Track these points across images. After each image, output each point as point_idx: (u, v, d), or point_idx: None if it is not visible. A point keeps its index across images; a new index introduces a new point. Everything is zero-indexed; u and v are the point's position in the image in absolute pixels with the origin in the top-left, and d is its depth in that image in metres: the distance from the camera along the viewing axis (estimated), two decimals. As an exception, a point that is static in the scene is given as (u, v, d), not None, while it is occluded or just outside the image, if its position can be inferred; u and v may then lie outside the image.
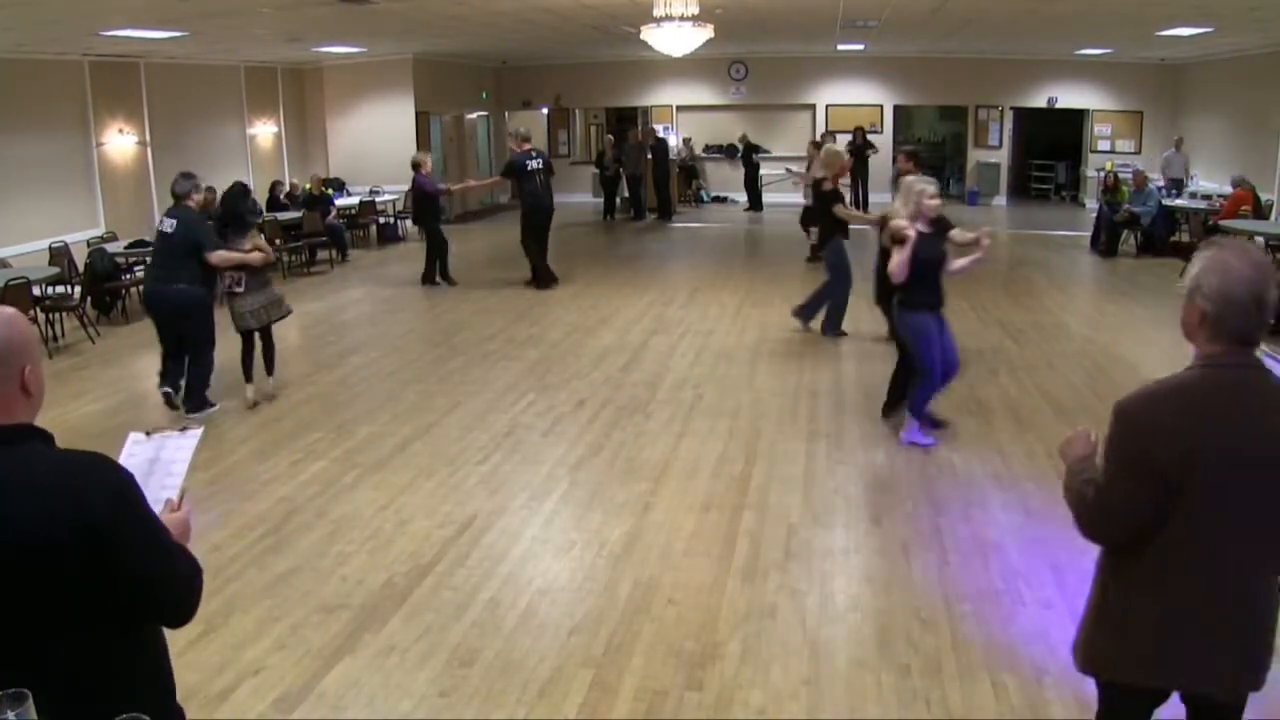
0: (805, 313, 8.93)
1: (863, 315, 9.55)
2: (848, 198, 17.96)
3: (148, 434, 2.14)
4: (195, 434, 2.16)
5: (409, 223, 16.17)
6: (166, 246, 6.75)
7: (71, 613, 1.65)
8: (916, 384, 5.83)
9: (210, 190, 7.52)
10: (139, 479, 1.97)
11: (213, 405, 6.83)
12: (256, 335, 7.00)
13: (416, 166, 11.51)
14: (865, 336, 8.75)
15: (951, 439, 6.05)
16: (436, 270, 11.68)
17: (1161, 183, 14.90)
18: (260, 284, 6.91)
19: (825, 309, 8.80)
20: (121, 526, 1.66)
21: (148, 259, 10.89)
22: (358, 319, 10.19)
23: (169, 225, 6.75)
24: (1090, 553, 4.48)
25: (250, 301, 6.82)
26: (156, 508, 1.92)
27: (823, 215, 8.69)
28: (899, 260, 5.48)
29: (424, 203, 11.57)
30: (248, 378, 7.02)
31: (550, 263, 11.48)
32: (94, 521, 1.63)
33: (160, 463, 2.07)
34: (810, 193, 8.67)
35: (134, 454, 2.10)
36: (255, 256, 6.79)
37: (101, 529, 1.63)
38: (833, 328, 8.78)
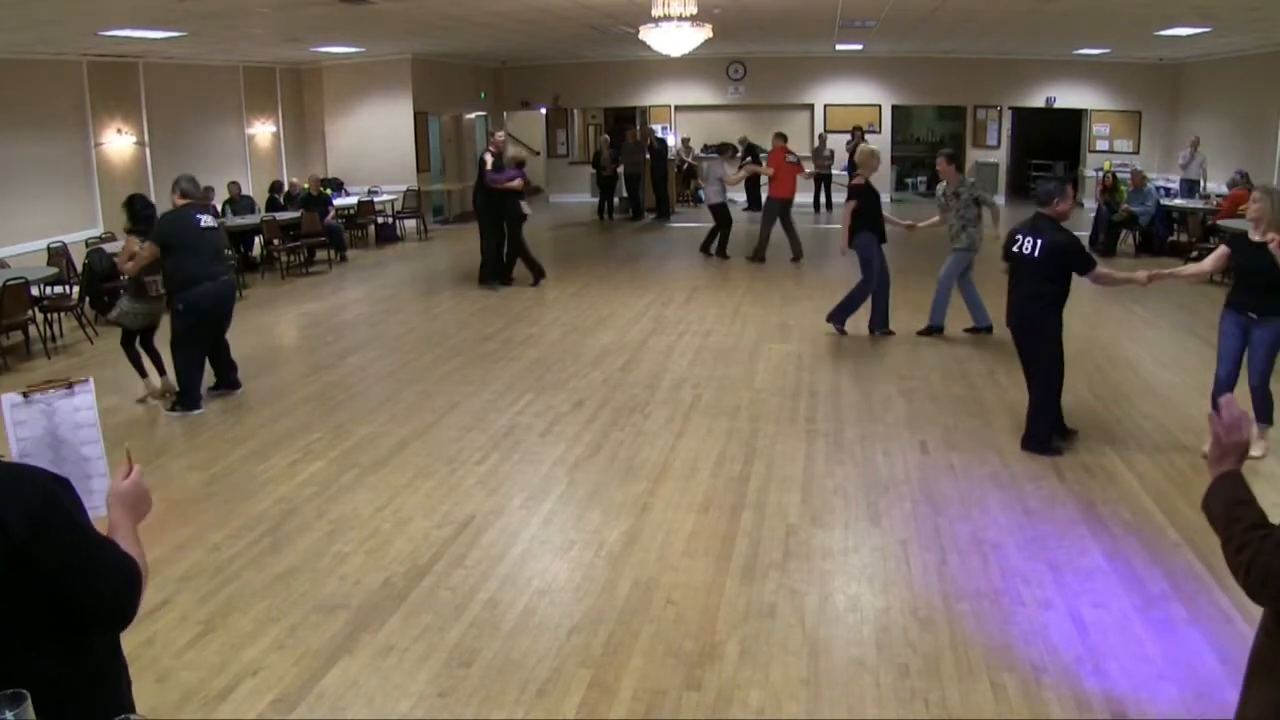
0: (878, 320, 8.87)
1: (862, 313, 9.56)
2: (845, 198, 18.13)
3: (25, 395, 1.92)
4: (86, 389, 1.94)
5: (408, 223, 16.27)
6: (215, 241, 7.20)
7: (10, 627, 1.61)
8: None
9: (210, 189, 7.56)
10: (47, 461, 1.87)
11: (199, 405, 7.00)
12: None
13: (520, 164, 11.50)
14: (864, 335, 8.75)
15: (951, 439, 6.06)
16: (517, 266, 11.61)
17: (1175, 184, 14.81)
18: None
19: (871, 308, 8.81)
20: (44, 547, 1.60)
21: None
22: (356, 319, 10.18)
23: (212, 220, 7.17)
24: (1089, 554, 4.50)
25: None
26: (90, 484, 1.83)
27: (861, 211, 8.64)
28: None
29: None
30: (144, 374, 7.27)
31: (545, 262, 11.55)
32: (13, 544, 1.57)
33: (62, 432, 1.90)
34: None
35: (20, 420, 1.91)
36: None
37: (21, 551, 1.57)
38: (880, 325, 8.82)
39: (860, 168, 8.69)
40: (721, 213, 13.49)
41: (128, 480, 1.88)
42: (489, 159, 11.02)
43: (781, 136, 13.73)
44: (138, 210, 7.10)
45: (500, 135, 11.82)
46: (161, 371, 7.26)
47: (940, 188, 8.79)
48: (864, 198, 8.60)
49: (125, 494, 1.86)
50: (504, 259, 11.44)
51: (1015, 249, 5.74)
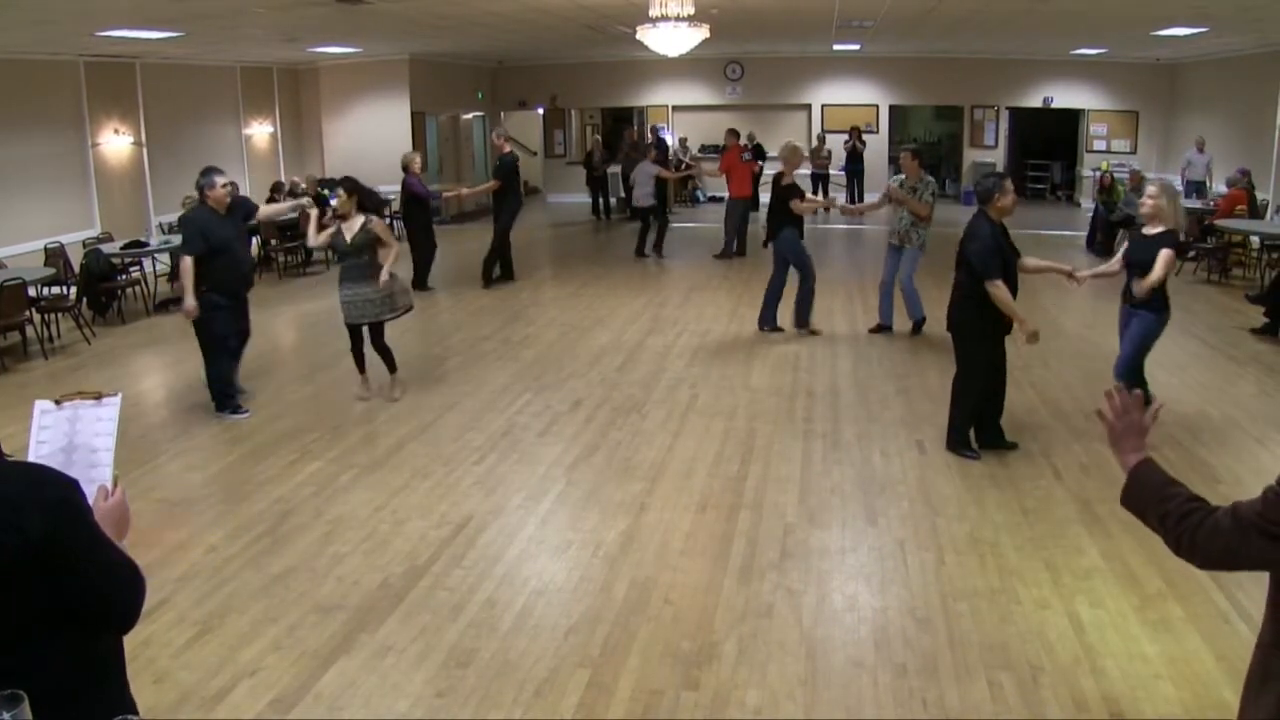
0: (768, 316, 8.96)
1: (859, 312, 9.57)
2: (843, 197, 18.12)
3: (57, 402, 1.98)
4: (113, 402, 1.98)
5: (402, 223, 16.23)
6: None
7: (16, 625, 1.63)
8: None
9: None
10: (59, 465, 1.90)
11: (241, 411, 6.78)
12: (364, 329, 6.96)
13: (405, 167, 11.46)
14: (861, 335, 8.76)
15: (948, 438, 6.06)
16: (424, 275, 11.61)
17: (1179, 185, 14.75)
18: (358, 276, 6.80)
19: (764, 301, 8.91)
20: (58, 546, 1.62)
21: (144, 260, 11.03)
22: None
23: None
24: (1086, 553, 4.51)
25: (345, 293, 6.83)
26: (89, 489, 1.85)
27: (775, 208, 8.70)
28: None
29: (412, 204, 11.47)
30: (360, 369, 7.11)
31: (543, 262, 11.57)
32: (30, 542, 1.59)
33: (80, 439, 1.95)
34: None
35: (46, 425, 1.96)
36: (287, 205, 7.64)
37: (37, 551, 1.59)
38: (769, 322, 8.88)
39: (785, 164, 8.71)
40: (646, 215, 13.57)
41: (111, 500, 1.91)
42: (414, 180, 11.25)
43: (734, 134, 13.72)
44: (370, 193, 7.04)
45: (499, 133, 11.94)
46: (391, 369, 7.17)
47: (899, 179, 8.81)
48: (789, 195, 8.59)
49: (109, 513, 1.88)
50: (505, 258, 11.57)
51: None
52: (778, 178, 8.73)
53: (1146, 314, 5.73)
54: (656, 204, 13.58)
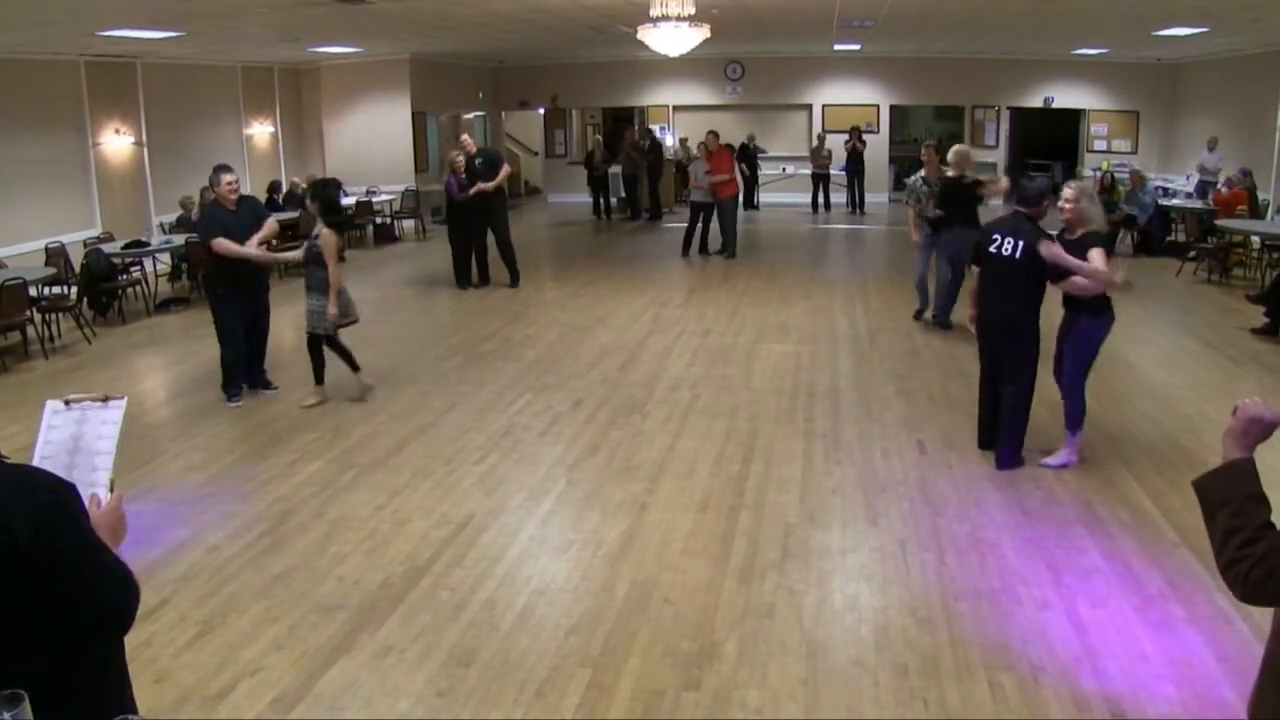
0: (939, 315, 8.99)
1: (860, 312, 9.57)
2: (843, 198, 18.12)
3: (67, 403, 2.02)
4: (118, 404, 2.03)
5: (406, 223, 16.25)
6: None
7: (13, 626, 1.62)
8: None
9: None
10: (62, 465, 1.91)
11: (233, 400, 7.05)
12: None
13: (451, 168, 11.40)
14: (862, 334, 8.76)
15: (949, 439, 6.06)
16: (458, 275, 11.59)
17: (1177, 183, 14.68)
18: (311, 285, 6.86)
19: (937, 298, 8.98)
20: (46, 551, 1.61)
21: (145, 260, 11.03)
22: (354, 319, 10.16)
23: None
24: (1087, 554, 4.50)
25: (308, 302, 6.88)
26: (88, 492, 1.86)
27: (950, 205, 8.60)
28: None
29: (450, 205, 11.39)
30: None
31: (543, 262, 11.54)
32: (15, 546, 1.58)
33: (84, 441, 1.97)
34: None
35: (54, 425, 1.98)
36: (253, 253, 6.95)
37: (22, 554, 1.58)
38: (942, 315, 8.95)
39: (957, 167, 8.55)
40: (701, 211, 13.56)
41: (104, 508, 1.90)
42: (454, 181, 11.09)
43: (715, 135, 13.64)
44: (333, 198, 6.91)
45: (465, 138, 11.73)
46: (355, 368, 7.09)
47: (919, 177, 8.75)
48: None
49: (102, 520, 1.87)
50: (481, 259, 11.49)
51: (993, 250, 5.53)
52: (959, 178, 8.61)
53: (1089, 318, 5.50)
54: (710, 202, 13.53)
